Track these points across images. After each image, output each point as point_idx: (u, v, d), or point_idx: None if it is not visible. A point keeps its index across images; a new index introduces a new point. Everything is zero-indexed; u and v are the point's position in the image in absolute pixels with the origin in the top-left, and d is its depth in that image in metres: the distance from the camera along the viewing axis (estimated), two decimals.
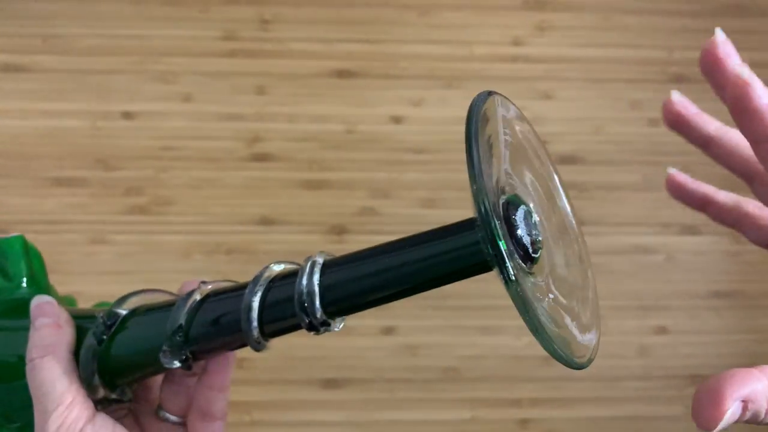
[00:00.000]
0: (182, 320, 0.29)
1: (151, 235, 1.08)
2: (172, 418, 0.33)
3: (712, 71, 0.27)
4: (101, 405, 0.31)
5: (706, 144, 0.30)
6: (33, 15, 1.11)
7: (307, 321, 0.27)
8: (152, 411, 0.33)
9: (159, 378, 0.33)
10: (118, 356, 0.31)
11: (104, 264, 1.07)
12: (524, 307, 0.22)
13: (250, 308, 0.28)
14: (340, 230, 1.10)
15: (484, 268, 0.25)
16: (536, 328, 0.22)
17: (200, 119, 1.11)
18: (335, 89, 1.13)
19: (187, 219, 1.09)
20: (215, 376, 0.32)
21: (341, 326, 0.29)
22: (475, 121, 0.23)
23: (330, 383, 1.08)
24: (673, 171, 0.33)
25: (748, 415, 0.23)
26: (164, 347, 0.29)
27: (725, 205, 0.32)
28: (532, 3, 1.17)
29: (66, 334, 0.31)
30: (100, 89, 1.10)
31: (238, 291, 0.29)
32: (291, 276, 0.28)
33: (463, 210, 1.13)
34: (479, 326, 1.10)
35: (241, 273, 1.15)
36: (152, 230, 1.08)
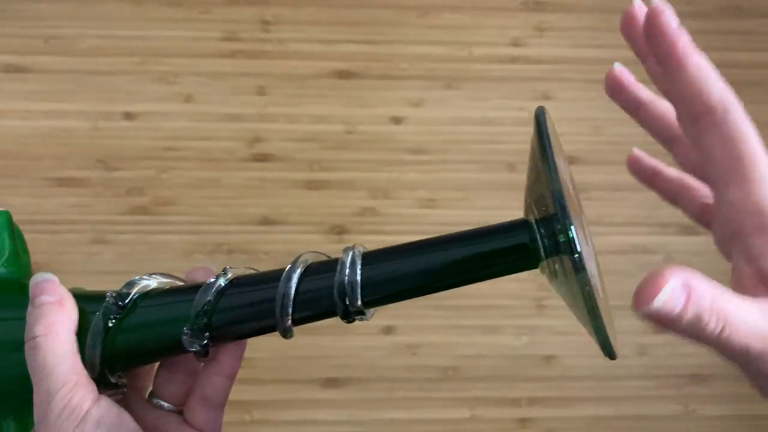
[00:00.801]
0: (208, 303, 0.29)
1: (152, 235, 1.09)
2: (167, 405, 0.32)
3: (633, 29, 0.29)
4: (99, 389, 0.30)
5: (636, 108, 0.32)
6: (34, 16, 1.11)
7: (343, 309, 0.29)
8: (140, 398, 0.33)
9: (148, 365, 0.33)
10: (130, 338, 0.30)
11: (105, 264, 1.07)
12: (590, 293, 0.23)
13: (286, 295, 0.28)
14: (340, 230, 1.10)
15: (531, 264, 0.28)
16: (596, 314, 0.24)
17: (201, 120, 1.11)
18: (335, 90, 1.14)
19: (188, 219, 1.09)
20: (226, 362, 0.32)
21: (372, 315, 0.30)
22: (545, 125, 0.25)
23: (330, 382, 1.08)
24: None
25: (690, 312, 0.22)
26: (186, 329, 0.29)
27: (669, 177, 0.33)
28: (531, 4, 1.18)
29: (70, 313, 0.30)
30: (102, 90, 1.11)
31: (270, 278, 0.30)
32: (327, 265, 0.29)
33: (463, 210, 1.14)
34: (479, 326, 1.10)
35: None
36: (153, 230, 1.09)
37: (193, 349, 0.29)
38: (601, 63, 1.17)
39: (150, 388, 0.33)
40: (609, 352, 0.25)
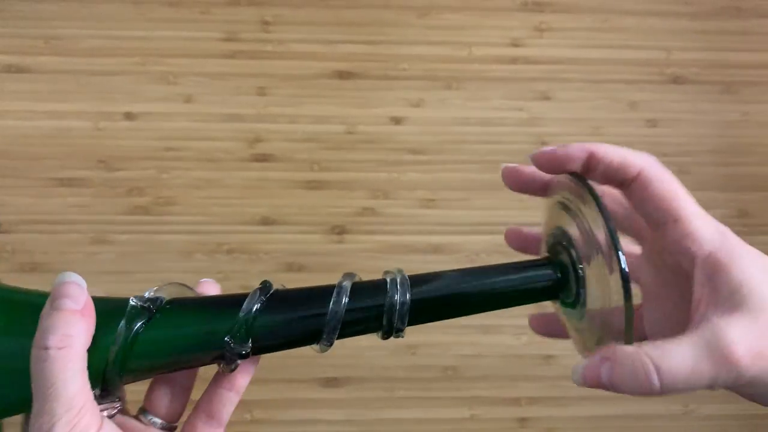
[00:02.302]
0: (253, 315, 0.30)
1: (153, 235, 1.09)
2: (161, 422, 0.31)
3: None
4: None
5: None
6: (35, 16, 1.11)
7: (388, 329, 0.31)
8: (127, 415, 0.31)
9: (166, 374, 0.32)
10: (157, 346, 0.29)
11: (106, 263, 1.08)
12: (632, 313, 0.28)
13: (337, 312, 0.30)
14: (340, 230, 1.10)
15: (555, 295, 0.33)
16: (630, 332, 0.29)
17: (201, 120, 1.12)
18: (335, 90, 1.14)
19: (188, 219, 1.10)
20: (241, 376, 0.31)
21: (405, 333, 0.33)
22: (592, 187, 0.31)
23: (330, 382, 1.08)
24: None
25: (615, 376, 0.27)
26: (228, 339, 0.29)
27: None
28: (531, 4, 1.18)
29: (89, 326, 0.27)
30: (102, 90, 1.11)
31: (316, 295, 0.31)
32: (374, 287, 0.32)
33: (463, 210, 1.13)
34: (478, 325, 1.11)
35: (242, 273, 1.15)
36: (154, 230, 1.09)
37: (232, 359, 0.30)
38: (600, 63, 1.17)
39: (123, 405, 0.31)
40: None
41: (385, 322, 0.31)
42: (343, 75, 1.14)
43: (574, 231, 0.32)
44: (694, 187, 0.37)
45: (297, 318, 0.31)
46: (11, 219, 1.07)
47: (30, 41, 1.11)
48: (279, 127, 1.12)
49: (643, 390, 0.27)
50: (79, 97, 1.11)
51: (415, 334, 1.21)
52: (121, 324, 0.29)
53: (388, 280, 0.32)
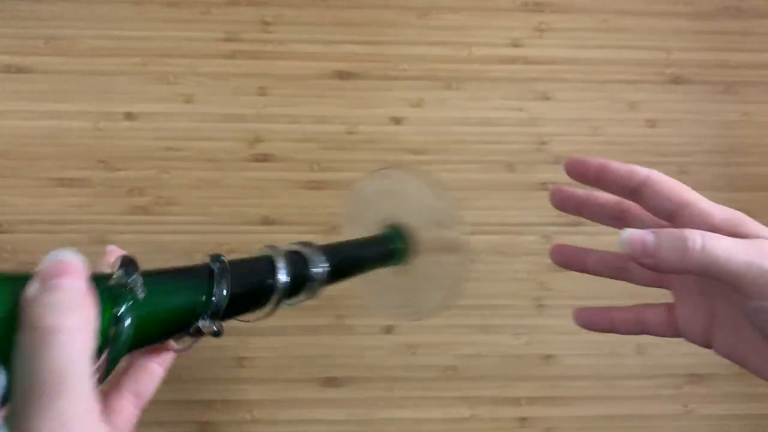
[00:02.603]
0: (222, 293, 0.31)
1: (153, 235, 1.09)
2: None
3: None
4: None
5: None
6: (35, 17, 1.11)
7: (315, 291, 0.38)
8: None
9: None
10: (139, 332, 0.28)
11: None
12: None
13: (285, 284, 0.35)
14: (340, 230, 1.10)
15: (400, 257, 0.45)
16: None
17: (202, 120, 1.12)
18: (336, 90, 1.14)
19: (188, 219, 1.10)
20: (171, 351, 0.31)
21: None
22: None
23: (330, 381, 1.08)
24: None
25: (662, 239, 0.31)
26: (203, 313, 0.30)
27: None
28: (531, 5, 1.18)
29: (96, 312, 0.22)
30: (102, 90, 1.11)
31: (262, 267, 0.36)
32: (297, 258, 0.38)
33: (463, 210, 1.13)
34: (479, 325, 1.11)
35: None
36: (154, 230, 1.09)
37: (199, 336, 0.31)
38: (600, 64, 1.17)
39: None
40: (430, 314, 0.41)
41: (312, 287, 0.37)
42: (343, 75, 1.14)
43: (406, 206, 0.43)
44: (694, 187, 0.37)
45: (254, 291, 0.35)
46: (11, 219, 1.07)
47: (30, 41, 1.11)
48: (279, 127, 1.12)
49: (685, 251, 0.30)
50: (79, 97, 1.11)
51: (415, 333, 1.21)
52: (104, 308, 0.26)
53: (308, 252, 0.38)
